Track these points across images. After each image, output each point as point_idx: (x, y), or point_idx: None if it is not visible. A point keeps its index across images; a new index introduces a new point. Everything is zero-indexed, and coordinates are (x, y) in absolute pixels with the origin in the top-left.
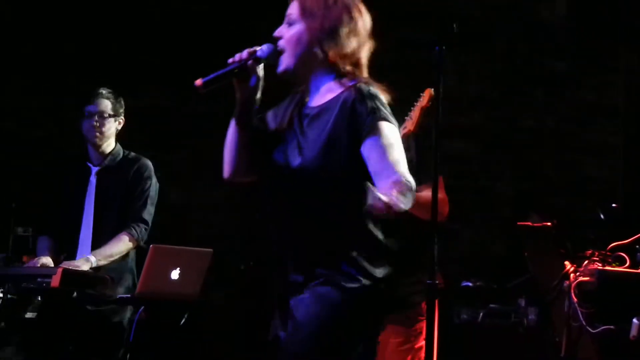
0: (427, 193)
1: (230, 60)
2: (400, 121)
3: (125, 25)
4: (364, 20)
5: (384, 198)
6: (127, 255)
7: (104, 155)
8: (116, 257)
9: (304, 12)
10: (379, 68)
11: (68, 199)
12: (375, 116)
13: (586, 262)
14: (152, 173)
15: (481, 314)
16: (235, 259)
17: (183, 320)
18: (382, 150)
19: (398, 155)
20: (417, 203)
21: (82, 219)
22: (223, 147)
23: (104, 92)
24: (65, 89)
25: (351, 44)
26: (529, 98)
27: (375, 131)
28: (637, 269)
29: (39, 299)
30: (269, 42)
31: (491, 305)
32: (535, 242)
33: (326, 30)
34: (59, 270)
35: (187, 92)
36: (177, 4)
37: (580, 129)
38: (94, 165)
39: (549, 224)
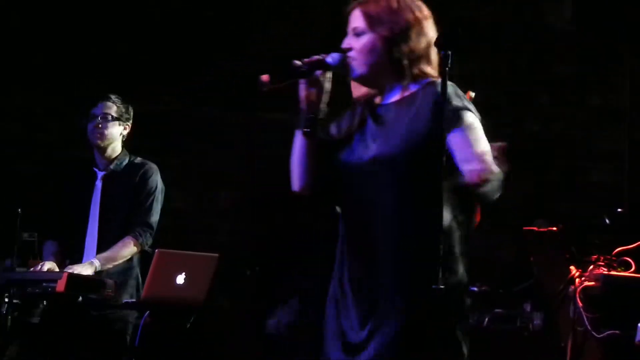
0: None
1: (298, 63)
2: None
3: (132, 30)
4: (428, 18)
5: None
6: (131, 259)
7: (110, 160)
8: (120, 261)
9: (371, 21)
10: None
11: (74, 204)
12: (461, 109)
13: (591, 267)
14: (159, 177)
15: (487, 318)
16: (241, 264)
17: (188, 325)
18: (469, 142)
19: (484, 147)
20: None
21: (87, 224)
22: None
23: (111, 96)
24: (71, 93)
25: (421, 44)
26: (535, 103)
27: (461, 123)
28: None
29: (44, 303)
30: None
31: (496, 310)
32: (541, 247)
33: (396, 35)
34: (64, 274)
35: (194, 96)
36: (182, 9)
37: (586, 134)
38: (100, 170)
39: (554, 228)
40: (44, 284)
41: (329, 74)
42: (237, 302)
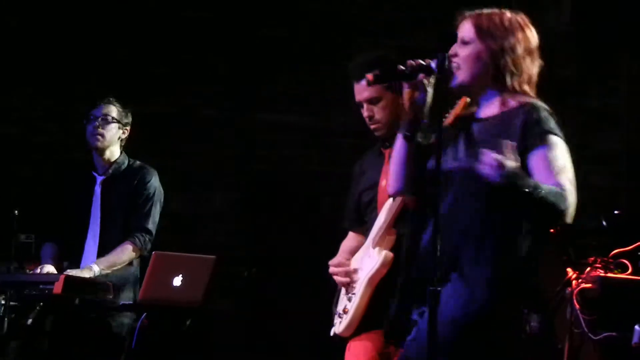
0: None
1: (402, 67)
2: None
3: (130, 33)
4: (534, 38)
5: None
6: (130, 262)
7: (109, 164)
8: (119, 266)
9: (481, 32)
10: None
11: (73, 208)
12: (546, 130)
13: (588, 269)
14: (157, 181)
15: None
16: (238, 266)
17: (185, 327)
18: (547, 162)
19: (562, 166)
20: None
21: (87, 228)
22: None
23: (111, 99)
24: (70, 96)
25: (526, 62)
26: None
27: (543, 143)
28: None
29: (41, 305)
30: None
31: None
32: None
33: (504, 49)
34: (61, 277)
35: (191, 99)
36: (181, 11)
37: (583, 136)
38: (99, 175)
39: (551, 230)
40: (41, 286)
41: (432, 79)
42: (234, 303)
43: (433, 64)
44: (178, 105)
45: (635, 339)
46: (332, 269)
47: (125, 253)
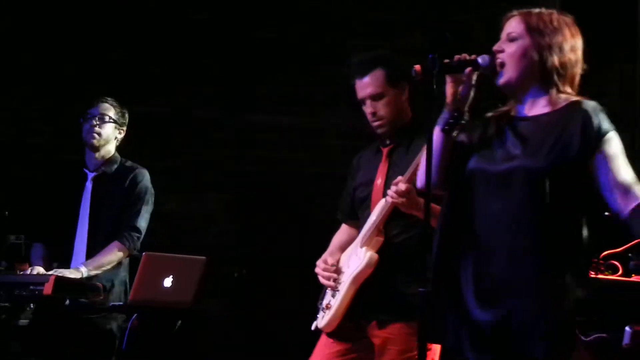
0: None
1: (447, 60)
2: None
3: (124, 34)
4: (580, 40)
5: None
6: (119, 263)
7: (102, 162)
8: (108, 267)
9: (530, 29)
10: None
11: (63, 206)
12: (608, 132)
13: None
14: (149, 182)
15: None
16: (229, 267)
17: (176, 328)
18: (616, 166)
19: (630, 171)
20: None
21: (77, 226)
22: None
23: (108, 98)
24: (66, 97)
25: (571, 61)
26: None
27: (608, 146)
28: (630, 277)
29: (32, 306)
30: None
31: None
32: None
33: (552, 47)
34: (52, 278)
35: (184, 100)
36: (175, 11)
37: None
38: (91, 172)
39: None
40: (31, 287)
41: (475, 75)
42: (224, 304)
43: (480, 60)
44: (171, 106)
45: (626, 340)
46: (317, 270)
47: (114, 253)
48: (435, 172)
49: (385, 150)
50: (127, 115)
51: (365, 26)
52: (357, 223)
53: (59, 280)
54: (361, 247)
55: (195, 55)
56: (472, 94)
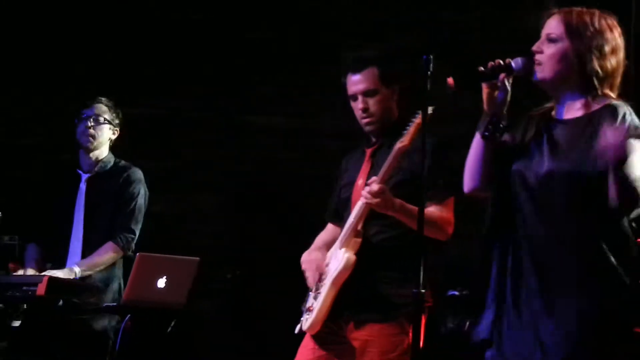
0: (433, 210)
1: (482, 68)
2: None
3: (117, 34)
4: (622, 41)
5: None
6: (113, 263)
7: (95, 163)
8: (101, 267)
9: (570, 30)
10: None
11: (58, 207)
12: (634, 136)
13: None
14: (142, 181)
15: (467, 322)
16: (223, 268)
17: (169, 329)
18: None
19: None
20: (427, 219)
21: (72, 227)
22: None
23: (102, 99)
24: (58, 97)
25: (612, 64)
26: (519, 107)
27: (636, 150)
28: None
29: (25, 307)
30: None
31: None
32: None
33: (592, 50)
34: (45, 278)
35: (178, 101)
36: (171, 11)
37: None
38: (84, 172)
39: None
40: (24, 288)
41: (511, 79)
42: (218, 305)
43: (513, 64)
44: (166, 107)
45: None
46: (303, 265)
47: (108, 254)
48: (477, 177)
49: (368, 151)
50: (121, 115)
51: (360, 27)
52: (341, 223)
53: (52, 281)
54: (340, 248)
55: (190, 55)
56: (508, 98)
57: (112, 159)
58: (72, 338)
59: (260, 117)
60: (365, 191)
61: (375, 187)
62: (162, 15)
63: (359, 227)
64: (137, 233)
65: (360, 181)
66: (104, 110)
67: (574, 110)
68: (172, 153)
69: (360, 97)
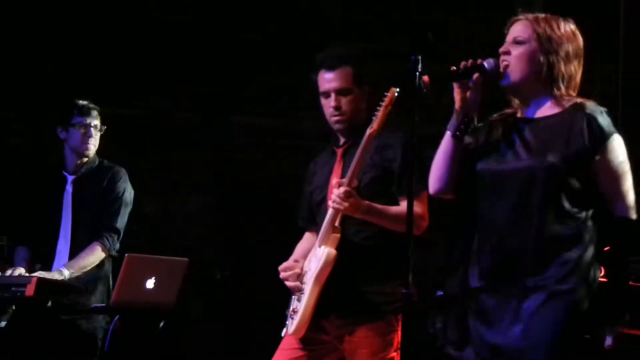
0: (404, 206)
1: (454, 68)
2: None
3: (102, 36)
4: (582, 45)
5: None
6: (102, 264)
7: (81, 164)
8: (89, 267)
9: (538, 33)
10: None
11: (45, 209)
12: (612, 135)
13: None
14: (127, 181)
15: None
16: (211, 268)
17: (158, 330)
18: (617, 175)
19: (629, 184)
20: (397, 216)
21: (59, 228)
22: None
23: (96, 107)
24: (43, 98)
25: (575, 67)
26: (506, 107)
27: (612, 152)
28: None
29: (13, 308)
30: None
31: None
32: None
33: (558, 52)
34: (34, 279)
35: (165, 101)
36: (156, 14)
37: None
38: (70, 174)
39: None
40: (13, 288)
41: (482, 79)
42: (206, 306)
43: (486, 64)
44: (151, 108)
45: (607, 342)
46: (282, 274)
47: (94, 254)
48: (445, 177)
49: (339, 151)
50: None
51: (346, 28)
52: (318, 228)
53: (41, 281)
54: (319, 246)
55: (176, 56)
56: (479, 97)
57: (96, 160)
58: (60, 339)
59: (247, 118)
60: (333, 196)
61: (341, 190)
62: (147, 16)
63: (336, 224)
64: (122, 232)
65: (334, 181)
66: (99, 118)
67: (544, 109)
68: (159, 154)
69: (333, 95)
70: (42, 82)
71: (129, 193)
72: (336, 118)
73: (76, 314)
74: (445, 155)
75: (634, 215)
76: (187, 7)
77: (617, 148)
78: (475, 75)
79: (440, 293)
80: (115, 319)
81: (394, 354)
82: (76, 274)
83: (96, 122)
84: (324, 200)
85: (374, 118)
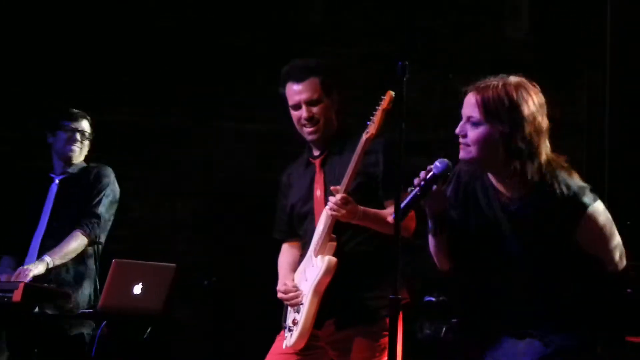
0: (392, 209)
1: (410, 189)
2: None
3: (90, 41)
4: (543, 106)
5: None
6: (88, 268)
7: (68, 165)
8: (72, 255)
9: (488, 113)
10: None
11: (29, 214)
12: (588, 207)
13: None
14: (112, 177)
15: (444, 328)
16: (198, 274)
17: (145, 335)
18: (602, 240)
19: (615, 243)
20: (383, 220)
21: (37, 226)
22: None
23: (85, 114)
24: (30, 103)
25: (536, 127)
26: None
27: (590, 223)
28: None
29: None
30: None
31: (454, 320)
32: None
33: (513, 126)
34: (21, 285)
35: (152, 107)
36: (144, 20)
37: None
38: (57, 175)
39: None
40: (0, 294)
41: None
42: (194, 312)
43: (435, 170)
44: (139, 113)
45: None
46: (280, 295)
47: (75, 241)
48: (443, 260)
49: (317, 162)
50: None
51: (333, 33)
52: (297, 240)
53: (28, 287)
54: (315, 256)
55: (164, 62)
56: (443, 196)
57: (82, 164)
58: (47, 344)
59: (235, 123)
60: (330, 203)
61: (338, 197)
62: (134, 21)
63: (331, 233)
64: (103, 219)
65: (318, 192)
66: (87, 125)
67: (513, 189)
68: (146, 160)
69: (304, 107)
70: (28, 88)
71: (113, 188)
72: (310, 129)
73: (63, 320)
74: (436, 249)
75: (620, 267)
76: (176, 12)
77: (595, 218)
78: (435, 187)
79: (429, 298)
80: (103, 324)
81: (386, 358)
82: (58, 262)
83: (83, 128)
84: (309, 211)
85: (369, 123)
